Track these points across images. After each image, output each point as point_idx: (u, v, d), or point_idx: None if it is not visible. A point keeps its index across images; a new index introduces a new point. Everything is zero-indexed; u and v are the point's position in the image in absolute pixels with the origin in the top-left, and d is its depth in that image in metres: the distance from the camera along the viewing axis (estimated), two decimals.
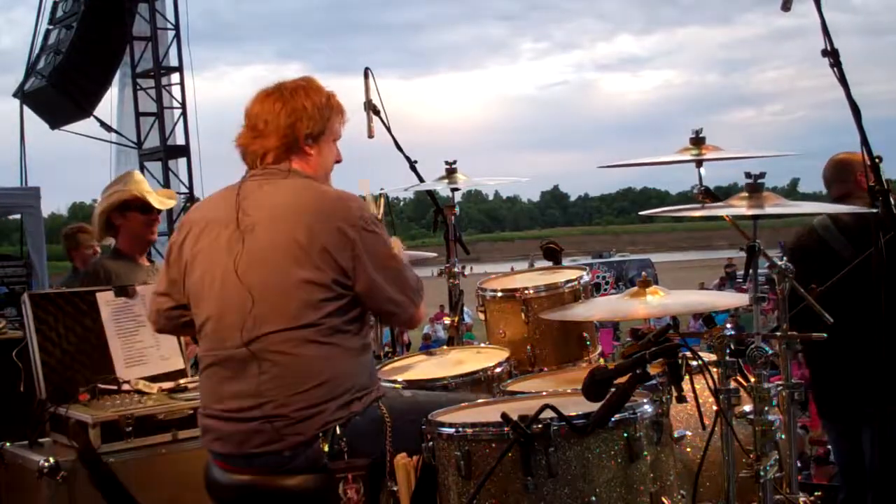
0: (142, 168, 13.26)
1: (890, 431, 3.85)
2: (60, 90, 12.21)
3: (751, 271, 2.74)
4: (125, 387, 3.73)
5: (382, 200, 4.52)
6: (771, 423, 2.60)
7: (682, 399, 2.55)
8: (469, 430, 2.40)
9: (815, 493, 2.83)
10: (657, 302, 2.99)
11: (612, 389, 2.30)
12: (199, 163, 13.34)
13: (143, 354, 3.91)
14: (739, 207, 2.68)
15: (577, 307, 3.63)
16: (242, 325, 2.74)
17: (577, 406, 2.36)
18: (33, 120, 12.89)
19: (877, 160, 2.89)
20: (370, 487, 2.70)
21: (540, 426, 2.23)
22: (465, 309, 4.48)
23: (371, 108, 4.39)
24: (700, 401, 2.74)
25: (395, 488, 2.68)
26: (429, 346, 17.68)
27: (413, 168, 4.53)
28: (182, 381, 3.79)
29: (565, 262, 4.56)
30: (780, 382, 2.71)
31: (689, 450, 3.02)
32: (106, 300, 3.92)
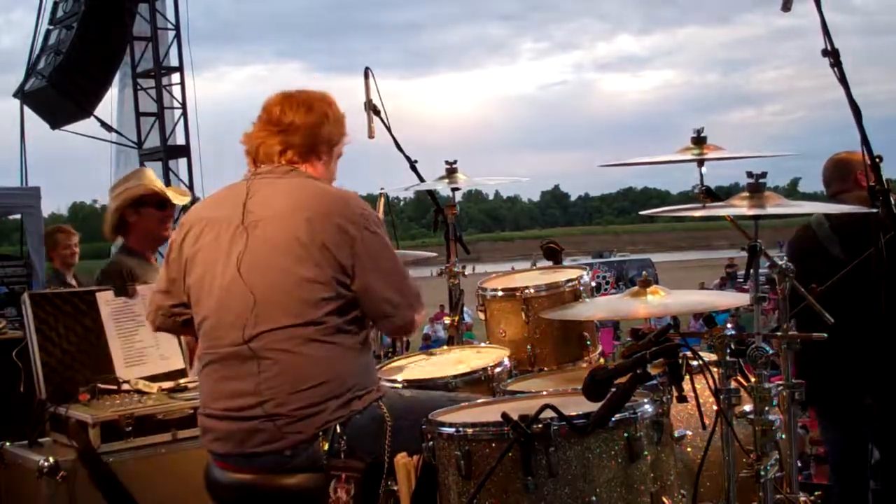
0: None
1: (889, 427, 3.86)
2: (61, 90, 12.20)
3: (752, 271, 2.74)
4: (125, 387, 3.73)
5: (382, 200, 4.52)
6: (771, 423, 2.60)
7: (682, 399, 2.55)
8: (469, 430, 2.39)
9: (816, 493, 2.83)
10: (657, 302, 2.98)
11: (613, 389, 2.30)
12: (199, 163, 13.34)
13: (143, 354, 3.91)
14: (740, 207, 2.67)
15: (578, 307, 3.63)
16: (243, 322, 2.75)
17: (578, 406, 2.35)
18: (33, 120, 12.90)
19: (877, 160, 2.89)
20: (369, 487, 2.70)
21: (540, 426, 2.23)
22: (465, 309, 4.48)
23: (371, 108, 4.39)
24: (700, 401, 2.74)
25: (395, 488, 2.68)
26: (429, 346, 17.69)
27: (413, 168, 4.53)
28: (182, 380, 3.79)
29: (565, 261, 4.56)
30: (780, 382, 2.71)
31: (689, 450, 3.02)
32: (106, 300, 3.92)
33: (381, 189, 4.73)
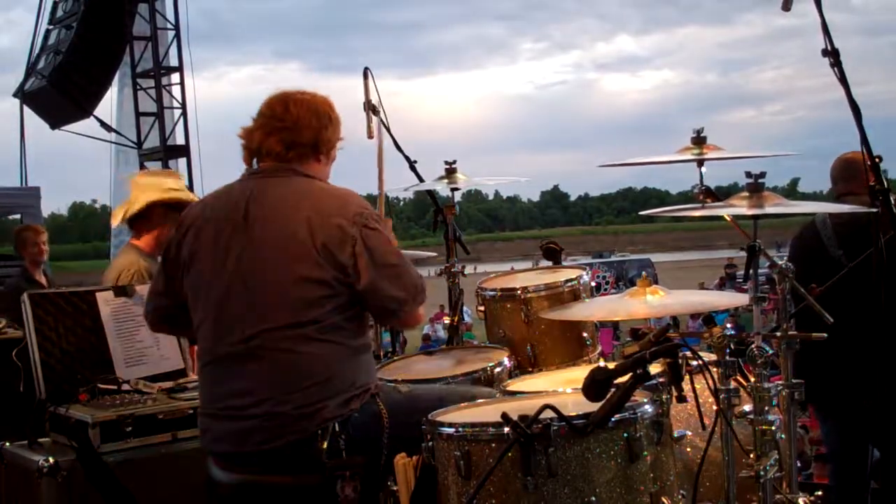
0: (142, 168, 13.26)
1: (889, 427, 3.86)
2: (60, 90, 12.21)
3: (751, 271, 2.74)
4: (125, 387, 3.73)
5: (382, 200, 4.52)
6: (771, 423, 2.60)
7: (682, 399, 2.55)
8: (469, 430, 2.40)
9: (816, 493, 2.83)
10: (657, 302, 2.98)
11: (613, 389, 2.30)
12: (198, 163, 13.34)
13: (143, 354, 3.91)
14: (740, 207, 2.68)
15: (577, 307, 3.63)
16: (242, 322, 2.74)
17: (577, 406, 2.35)
18: (33, 120, 12.92)
19: (877, 160, 2.89)
20: (369, 483, 2.70)
21: (540, 426, 2.23)
22: (465, 308, 4.48)
23: (371, 109, 4.39)
24: (700, 401, 2.74)
25: (394, 488, 2.68)
26: (429, 346, 17.68)
27: (413, 168, 4.53)
28: (182, 380, 3.79)
29: (565, 261, 4.57)
30: (780, 382, 2.71)
31: (689, 450, 3.02)
32: (106, 300, 3.92)
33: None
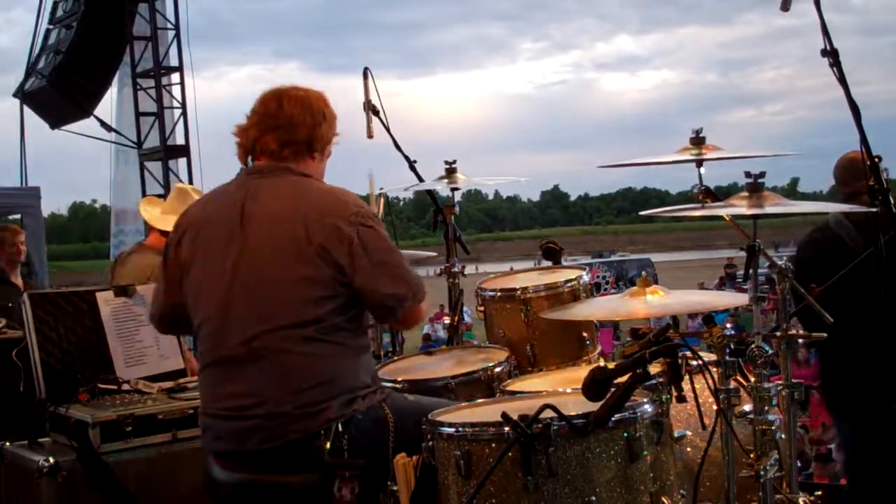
0: (142, 168, 13.26)
1: None
2: (60, 90, 12.19)
3: (751, 271, 2.74)
4: (125, 387, 3.73)
5: (382, 200, 4.52)
6: (771, 423, 2.60)
7: (682, 399, 2.56)
8: (469, 430, 2.40)
9: (816, 493, 2.83)
10: (657, 302, 2.98)
11: (613, 389, 2.30)
12: (198, 163, 13.33)
13: (143, 354, 3.91)
14: (739, 207, 2.68)
15: (577, 307, 3.63)
16: (241, 324, 2.74)
17: (577, 406, 2.36)
18: (33, 120, 12.89)
19: (876, 160, 2.89)
20: (370, 487, 2.70)
21: (540, 426, 2.23)
22: (465, 308, 4.48)
23: (370, 109, 4.39)
24: (700, 400, 2.74)
25: (395, 488, 2.68)
26: (429, 345, 17.68)
27: (413, 168, 4.53)
28: (182, 380, 3.80)
29: (565, 261, 4.57)
30: (780, 382, 2.71)
31: (689, 450, 3.02)
32: (106, 300, 3.93)
33: (381, 189, 4.73)
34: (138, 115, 13.34)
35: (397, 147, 4.50)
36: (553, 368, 3.75)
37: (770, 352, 2.63)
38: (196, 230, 2.90)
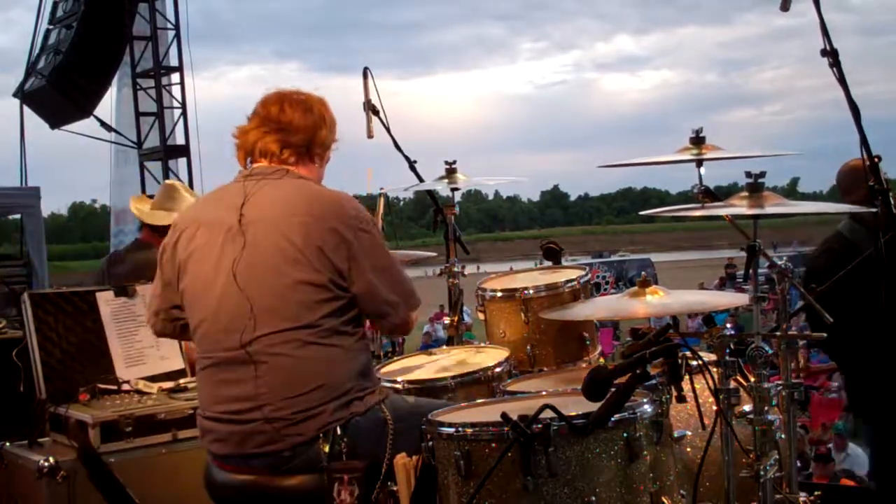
0: (142, 168, 13.25)
1: None
2: (60, 90, 12.18)
3: (751, 271, 2.74)
4: (125, 387, 3.73)
5: (382, 200, 4.52)
6: (771, 423, 2.60)
7: (681, 399, 2.55)
8: (469, 430, 2.39)
9: (816, 493, 2.83)
10: (657, 302, 2.98)
11: (612, 389, 2.30)
12: (198, 163, 13.32)
13: (142, 354, 3.91)
14: (740, 207, 2.67)
15: (577, 307, 3.63)
16: (240, 327, 2.73)
17: (577, 406, 2.35)
18: (33, 120, 12.88)
19: (875, 160, 2.89)
20: (369, 489, 2.70)
21: (540, 426, 2.23)
22: (465, 309, 4.48)
23: (370, 109, 4.39)
24: (700, 401, 2.74)
25: (395, 488, 2.68)
26: (429, 346, 17.67)
27: (413, 168, 4.53)
28: (182, 380, 3.79)
29: (565, 261, 4.56)
30: (779, 382, 2.71)
31: (689, 450, 3.02)
32: (106, 300, 3.93)
33: (381, 189, 4.73)
34: (138, 115, 13.33)
35: (397, 147, 4.50)
36: (553, 368, 3.75)
37: (770, 352, 2.63)
38: (193, 231, 2.90)
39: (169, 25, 13.22)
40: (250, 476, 2.75)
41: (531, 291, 3.80)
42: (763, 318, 2.79)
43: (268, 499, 2.75)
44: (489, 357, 3.63)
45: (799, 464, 2.92)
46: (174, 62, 13.26)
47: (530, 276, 4.08)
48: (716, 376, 2.63)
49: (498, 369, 3.48)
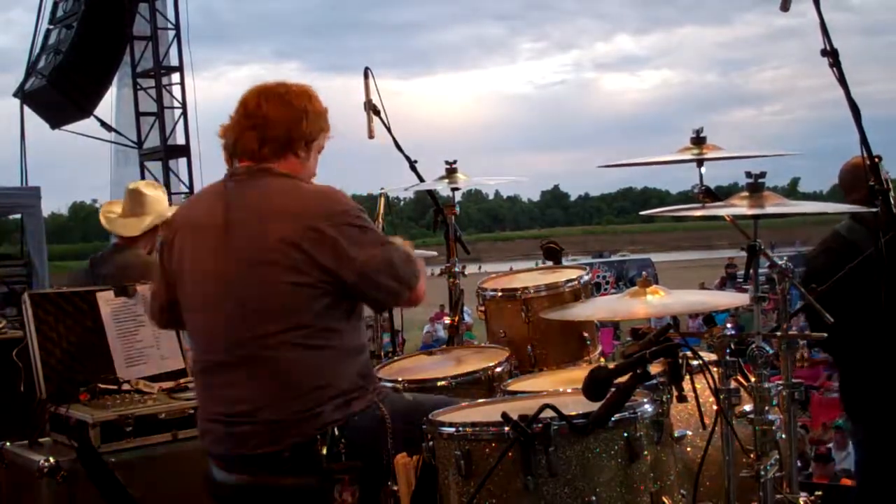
0: (142, 168, 13.26)
1: None
2: (60, 90, 12.19)
3: (751, 271, 2.73)
4: (125, 387, 3.73)
5: (383, 200, 4.53)
6: (771, 423, 2.60)
7: (682, 399, 2.55)
8: (469, 430, 2.39)
9: (816, 493, 2.83)
10: (657, 301, 2.98)
11: (613, 389, 2.30)
12: (198, 163, 13.33)
13: (143, 354, 3.91)
14: (740, 207, 2.67)
15: (578, 307, 3.63)
16: (230, 330, 2.73)
17: (578, 406, 2.35)
18: (33, 120, 12.89)
19: (876, 160, 2.89)
20: (369, 488, 2.70)
21: (540, 426, 2.23)
22: (465, 309, 4.48)
23: (371, 108, 4.39)
24: (700, 400, 2.74)
25: (395, 488, 2.68)
26: (429, 346, 17.66)
27: (413, 168, 4.53)
28: (182, 380, 3.79)
29: (565, 261, 4.57)
30: (780, 382, 2.71)
31: (689, 449, 3.02)
32: (106, 300, 3.93)
33: (381, 189, 4.73)
34: (138, 115, 13.35)
35: (398, 147, 4.50)
36: (553, 368, 3.75)
37: (770, 352, 2.62)
38: (184, 233, 2.89)
39: (169, 25, 13.24)
40: (250, 476, 2.74)
41: (531, 291, 3.80)
42: (763, 318, 2.79)
43: (268, 499, 2.75)
44: (489, 357, 3.63)
45: (799, 464, 2.92)
46: (174, 62, 13.27)
47: (531, 276, 4.09)
48: (716, 376, 2.63)
49: (498, 369, 3.49)
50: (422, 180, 4.49)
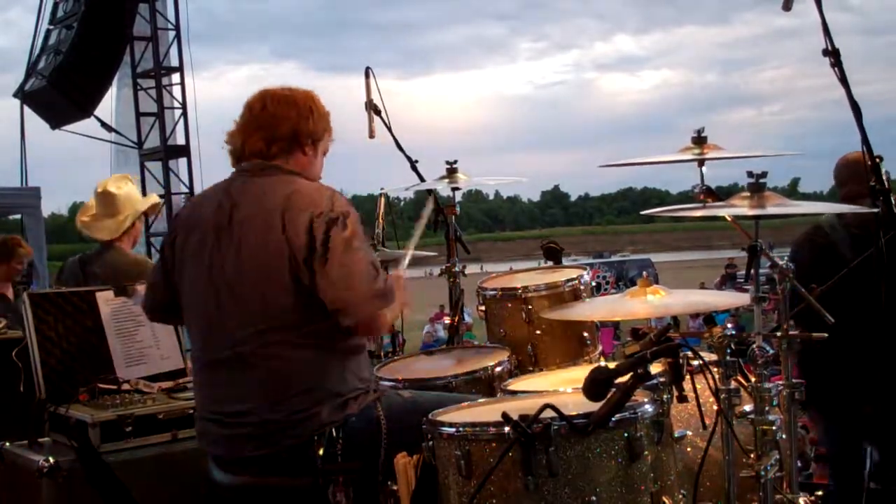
0: (142, 168, 13.26)
1: (889, 430, 3.85)
2: (61, 90, 12.19)
3: (752, 271, 2.73)
4: (125, 386, 3.73)
5: (383, 200, 4.52)
6: (771, 423, 2.60)
7: (682, 399, 2.55)
8: (469, 430, 2.39)
9: (816, 493, 2.83)
10: (658, 302, 2.98)
11: (613, 389, 2.29)
12: (199, 163, 13.32)
13: (142, 354, 3.91)
14: (741, 207, 2.67)
15: (578, 306, 3.63)
16: (229, 328, 2.73)
17: (578, 406, 2.35)
18: (33, 120, 12.89)
19: (877, 160, 2.89)
20: (367, 489, 2.70)
21: (540, 426, 2.23)
22: (465, 308, 4.48)
23: (372, 108, 4.39)
24: (701, 400, 2.74)
25: (395, 488, 2.67)
26: (429, 345, 17.66)
27: (414, 168, 4.53)
28: (182, 380, 3.79)
29: (565, 261, 4.56)
30: (780, 382, 2.71)
31: (689, 450, 3.02)
32: (105, 300, 3.92)
33: (382, 189, 4.73)
34: (138, 115, 13.35)
35: (399, 147, 4.50)
36: (554, 368, 3.75)
37: (771, 352, 2.62)
38: (187, 232, 2.90)
39: (169, 26, 13.24)
40: (249, 477, 2.74)
41: (532, 291, 3.80)
42: (763, 318, 2.79)
43: (267, 499, 2.75)
44: (489, 357, 3.62)
45: (799, 464, 2.92)
46: (174, 62, 13.28)
47: (531, 276, 4.09)
48: (716, 376, 2.62)
49: (498, 369, 3.48)
50: (422, 180, 4.49)
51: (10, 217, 11.71)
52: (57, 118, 12.94)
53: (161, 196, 9.45)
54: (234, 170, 2.94)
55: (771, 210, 2.63)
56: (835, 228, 4.05)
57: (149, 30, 13.11)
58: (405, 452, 2.68)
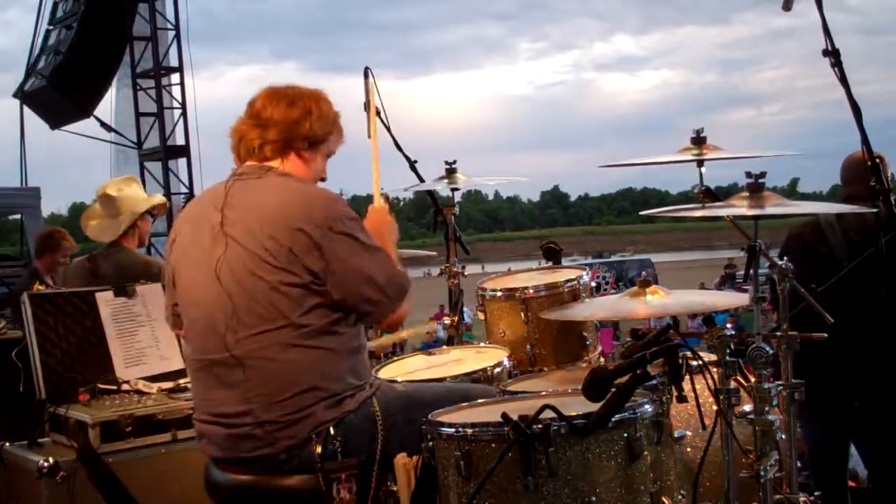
0: (142, 168, 13.27)
1: (880, 428, 3.85)
2: (60, 90, 12.20)
3: (751, 271, 2.73)
4: (125, 387, 3.73)
5: (382, 200, 4.51)
6: (771, 423, 2.60)
7: (682, 399, 2.55)
8: (469, 430, 2.39)
9: (816, 493, 2.83)
10: (657, 302, 2.98)
11: (613, 389, 2.29)
12: (198, 163, 13.33)
13: (142, 354, 3.91)
14: (740, 207, 2.67)
15: (577, 307, 3.63)
16: (225, 330, 2.72)
17: (578, 406, 2.35)
18: (33, 120, 12.90)
19: (877, 160, 2.89)
20: (368, 484, 2.70)
21: (540, 426, 2.23)
22: (465, 309, 4.48)
23: (371, 109, 4.38)
24: (700, 401, 2.74)
25: (394, 488, 2.67)
26: (429, 345, 17.65)
27: (413, 168, 4.52)
28: (182, 380, 3.79)
29: (565, 262, 4.56)
30: (780, 382, 2.71)
31: (689, 450, 3.02)
32: (105, 300, 3.93)
33: (382, 189, 4.72)
34: (138, 115, 13.37)
35: (398, 147, 4.49)
36: (553, 368, 3.75)
37: (770, 352, 2.62)
38: (186, 233, 2.90)
39: (169, 26, 13.25)
40: (249, 477, 2.74)
41: (531, 291, 3.80)
42: (763, 318, 2.79)
43: (268, 499, 2.75)
44: (489, 357, 3.62)
45: (799, 464, 2.92)
46: (174, 62, 13.29)
47: (530, 276, 4.08)
48: (716, 376, 2.62)
49: (498, 369, 3.48)
50: (422, 180, 4.48)
51: (10, 217, 11.71)
52: (57, 118, 12.95)
53: (168, 196, 9.45)
54: (233, 170, 2.94)
55: (770, 210, 2.63)
56: (831, 226, 4.04)
57: (148, 30, 13.13)
58: (405, 453, 2.68)
